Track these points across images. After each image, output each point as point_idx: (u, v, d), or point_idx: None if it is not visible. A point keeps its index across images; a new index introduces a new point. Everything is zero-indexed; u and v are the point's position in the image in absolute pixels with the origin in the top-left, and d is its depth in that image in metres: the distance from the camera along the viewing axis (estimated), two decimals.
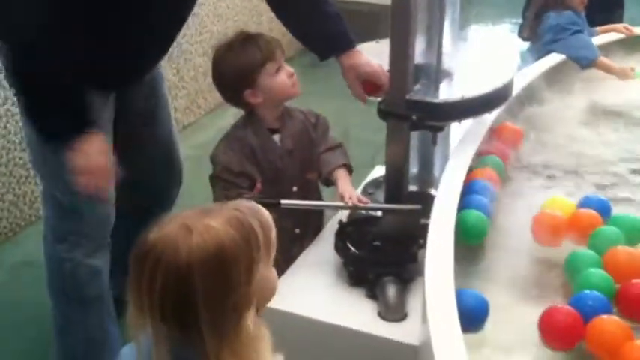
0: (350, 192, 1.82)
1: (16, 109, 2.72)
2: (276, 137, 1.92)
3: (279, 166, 1.91)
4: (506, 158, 1.93)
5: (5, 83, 2.64)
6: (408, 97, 1.78)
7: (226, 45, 1.88)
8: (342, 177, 1.88)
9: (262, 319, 1.08)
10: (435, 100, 1.78)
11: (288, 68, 1.89)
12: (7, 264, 2.78)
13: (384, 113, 1.84)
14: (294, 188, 1.94)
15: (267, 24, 4.36)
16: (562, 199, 1.70)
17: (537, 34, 2.89)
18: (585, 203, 1.66)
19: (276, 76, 1.85)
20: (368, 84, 1.95)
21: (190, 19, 2.05)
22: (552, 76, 2.43)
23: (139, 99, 2.11)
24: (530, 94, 2.25)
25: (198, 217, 1.03)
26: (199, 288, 0.98)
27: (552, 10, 2.86)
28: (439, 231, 1.49)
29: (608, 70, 2.67)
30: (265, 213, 1.08)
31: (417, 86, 1.84)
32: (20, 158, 2.82)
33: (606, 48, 2.79)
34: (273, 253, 1.09)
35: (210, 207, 1.07)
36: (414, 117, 1.76)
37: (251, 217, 1.05)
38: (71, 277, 2.02)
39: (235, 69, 1.85)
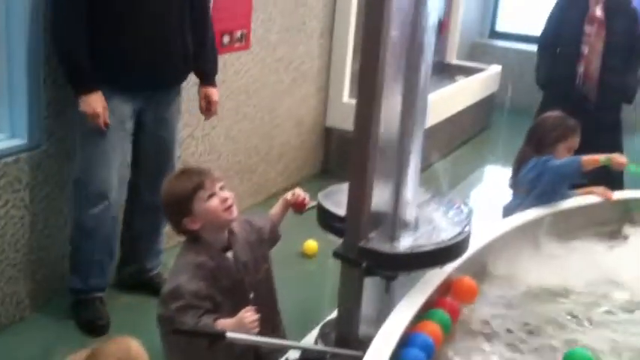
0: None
1: (14, 212, 2.86)
2: (230, 254, 2.06)
3: (237, 279, 2.05)
4: (456, 314, 1.96)
5: (7, 187, 2.81)
6: (360, 244, 1.87)
7: (167, 180, 2.10)
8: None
9: None
10: (384, 250, 1.85)
11: (223, 194, 2.03)
12: None
13: (338, 256, 1.91)
14: (251, 295, 2.07)
15: (279, 148, 4.54)
16: None
17: (518, 183, 2.97)
18: None
19: (208, 202, 2.00)
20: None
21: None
22: (519, 235, 2.47)
23: (149, 134, 3.00)
24: (495, 251, 2.30)
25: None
26: None
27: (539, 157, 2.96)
28: None
29: (596, 163, 2.79)
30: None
31: (373, 234, 1.93)
32: (13, 258, 2.92)
33: (584, 210, 2.83)
34: None
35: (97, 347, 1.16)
36: (364, 264, 1.84)
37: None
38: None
39: (172, 200, 2.04)
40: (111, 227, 2.98)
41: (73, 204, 3.01)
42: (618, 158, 2.85)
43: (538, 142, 2.98)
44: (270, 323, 2.12)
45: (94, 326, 2.95)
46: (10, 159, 2.82)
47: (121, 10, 2.74)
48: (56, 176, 2.99)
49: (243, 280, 2.06)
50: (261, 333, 1.90)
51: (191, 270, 1.98)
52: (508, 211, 3.00)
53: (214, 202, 2.01)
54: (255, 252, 2.14)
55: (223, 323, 1.90)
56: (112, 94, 2.79)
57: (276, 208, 2.25)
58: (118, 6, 2.73)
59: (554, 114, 3.11)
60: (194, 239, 2.04)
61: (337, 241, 2.03)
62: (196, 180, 2.02)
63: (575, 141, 3.00)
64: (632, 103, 4.57)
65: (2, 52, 2.80)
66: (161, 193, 2.08)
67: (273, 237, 2.24)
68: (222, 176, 2.11)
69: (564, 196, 2.86)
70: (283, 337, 2.20)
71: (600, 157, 2.81)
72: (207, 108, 3.19)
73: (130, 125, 2.92)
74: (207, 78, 3.15)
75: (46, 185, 2.96)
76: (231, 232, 2.09)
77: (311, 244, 3.74)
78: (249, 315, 1.88)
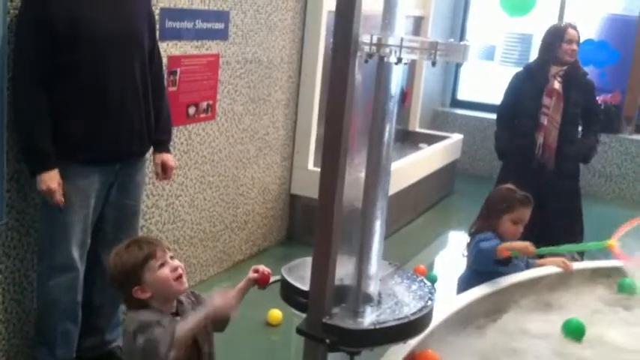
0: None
1: None
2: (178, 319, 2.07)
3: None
4: None
5: None
6: (324, 320, 1.87)
7: (115, 251, 2.09)
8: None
9: None
10: (348, 327, 1.85)
11: (174, 263, 2.06)
12: None
13: (302, 333, 1.91)
14: None
15: (243, 216, 4.55)
16: None
17: (468, 256, 3.01)
18: None
19: (159, 272, 2.03)
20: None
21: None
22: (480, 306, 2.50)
23: (113, 203, 3.00)
24: (456, 322, 2.32)
25: None
26: None
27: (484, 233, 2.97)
28: None
29: (512, 248, 2.78)
30: None
31: (336, 309, 1.93)
32: None
33: (543, 280, 2.87)
34: None
35: None
36: (328, 341, 1.84)
37: None
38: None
39: (122, 270, 2.04)
40: (74, 297, 2.95)
41: (37, 276, 2.99)
42: (526, 249, 2.80)
43: (487, 214, 3.04)
44: None
45: None
46: None
47: (85, 87, 2.76)
48: (16, 249, 2.95)
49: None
50: None
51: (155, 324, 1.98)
52: (460, 282, 3.05)
53: (165, 272, 2.03)
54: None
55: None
56: (76, 171, 2.80)
57: (238, 286, 2.24)
58: (82, 83, 2.75)
59: (504, 186, 3.16)
60: (145, 308, 2.04)
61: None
62: (147, 249, 2.04)
63: (522, 213, 3.01)
64: (589, 162, 4.72)
65: None
66: (109, 263, 2.08)
67: (222, 318, 2.20)
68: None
69: (529, 265, 2.90)
70: None
71: (511, 248, 2.80)
72: (164, 173, 3.22)
73: (93, 201, 2.90)
74: (163, 146, 3.20)
75: (5, 258, 2.92)
76: (179, 302, 2.11)
77: (275, 314, 3.71)
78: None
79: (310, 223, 4.79)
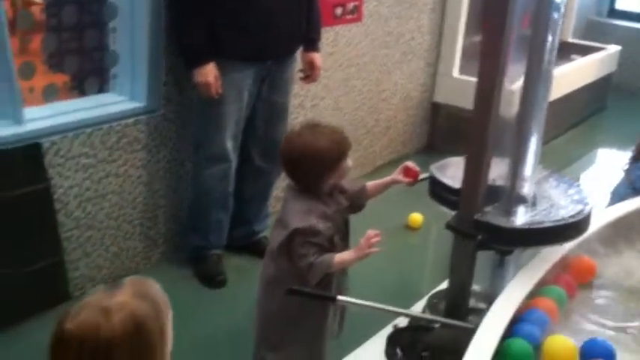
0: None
1: (132, 171, 2.98)
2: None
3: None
4: (573, 292, 1.90)
5: (127, 147, 2.93)
6: (476, 217, 1.83)
7: (317, 133, 2.05)
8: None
9: None
10: (501, 224, 1.81)
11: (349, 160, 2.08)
12: None
13: (452, 229, 1.89)
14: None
15: (385, 122, 4.52)
16: (564, 340, 1.63)
17: (630, 172, 2.82)
18: (589, 347, 1.61)
19: (345, 163, 2.06)
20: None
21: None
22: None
23: (263, 100, 3.06)
24: (617, 232, 2.21)
25: (108, 297, 1.16)
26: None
27: None
28: (476, 354, 1.50)
29: None
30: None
31: (489, 208, 1.89)
32: (130, 215, 3.06)
33: None
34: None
35: (113, 285, 1.21)
36: (479, 237, 1.81)
37: (151, 287, 1.23)
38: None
39: (337, 147, 2.04)
40: (227, 187, 3.08)
41: (192, 166, 3.13)
42: None
43: None
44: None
45: (214, 281, 3.11)
46: (129, 120, 2.94)
47: None
48: (173, 140, 3.09)
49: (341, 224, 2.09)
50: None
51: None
52: (614, 194, 2.89)
53: (349, 163, 2.06)
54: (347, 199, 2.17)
55: (342, 257, 1.95)
56: (230, 66, 2.85)
57: (383, 180, 2.22)
58: None
59: None
60: (307, 190, 2.05)
61: (443, 216, 2.01)
62: (348, 144, 2.06)
63: None
64: None
65: (126, 21, 2.92)
66: (309, 143, 2.02)
67: (357, 204, 2.21)
68: None
69: None
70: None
71: None
72: (310, 73, 3.20)
73: (246, 95, 2.96)
74: (313, 44, 3.17)
75: (163, 148, 3.07)
76: None
77: (416, 217, 3.72)
78: (372, 238, 1.92)
79: (452, 133, 4.69)
